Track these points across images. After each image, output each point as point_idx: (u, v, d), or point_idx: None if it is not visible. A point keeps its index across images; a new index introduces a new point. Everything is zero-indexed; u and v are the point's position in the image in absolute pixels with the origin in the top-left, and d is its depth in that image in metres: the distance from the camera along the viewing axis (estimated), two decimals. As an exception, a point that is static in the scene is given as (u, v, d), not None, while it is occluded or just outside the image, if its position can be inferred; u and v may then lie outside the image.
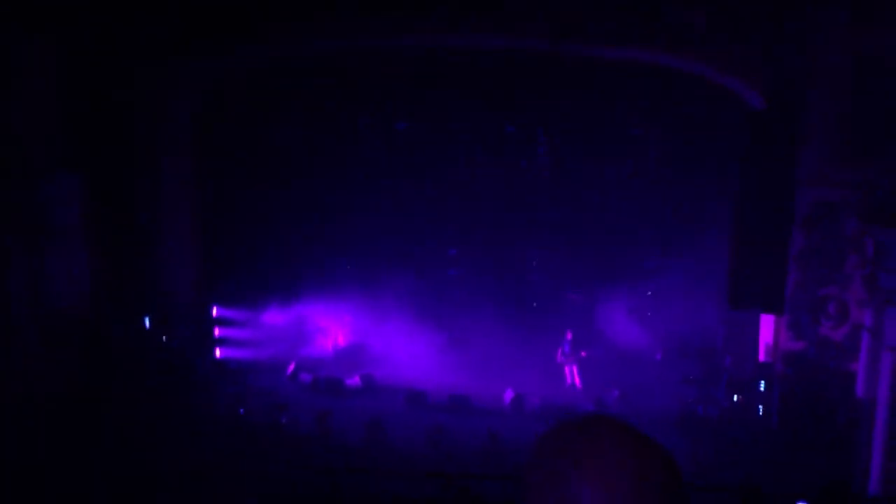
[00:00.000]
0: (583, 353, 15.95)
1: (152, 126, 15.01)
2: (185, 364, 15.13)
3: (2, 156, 12.18)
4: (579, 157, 17.99)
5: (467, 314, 16.85)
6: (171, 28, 13.77)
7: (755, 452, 12.74)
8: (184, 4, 13.71)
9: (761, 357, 14.31)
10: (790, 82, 12.80)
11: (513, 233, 18.53)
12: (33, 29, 12.57)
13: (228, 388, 14.89)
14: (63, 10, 12.82)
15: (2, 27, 11.97)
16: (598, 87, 15.77)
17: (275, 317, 17.24)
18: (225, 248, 16.66)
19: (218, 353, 16.62)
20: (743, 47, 13.10)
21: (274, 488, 10.85)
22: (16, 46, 12.41)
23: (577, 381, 16.01)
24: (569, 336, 16.07)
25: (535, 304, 18.85)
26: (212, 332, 16.55)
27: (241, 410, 13.92)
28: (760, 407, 13.90)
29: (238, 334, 16.93)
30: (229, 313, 16.89)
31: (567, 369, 16.12)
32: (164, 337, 15.15)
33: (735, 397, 14.11)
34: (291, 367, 16.28)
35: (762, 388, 13.89)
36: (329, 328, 17.66)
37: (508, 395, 15.01)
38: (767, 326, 14.15)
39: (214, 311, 16.67)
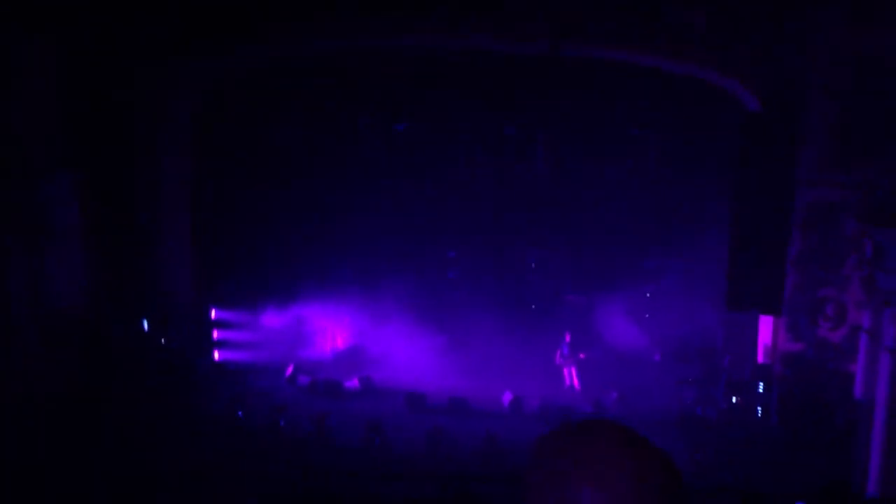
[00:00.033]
0: (581, 355, 15.96)
1: (152, 126, 15.01)
2: (183, 366, 15.11)
3: (2, 156, 12.17)
4: (578, 159, 18.02)
5: (466, 316, 16.84)
6: (171, 28, 13.77)
7: (754, 453, 12.76)
8: (184, 4, 13.71)
9: (760, 358, 14.33)
10: (790, 82, 12.80)
11: (511, 234, 18.55)
12: (33, 29, 12.57)
13: (227, 390, 14.86)
14: (63, 10, 12.82)
15: (2, 27, 11.97)
16: (597, 89, 15.80)
17: (273, 319, 17.21)
18: (224, 248, 16.66)
19: (216, 355, 16.60)
20: (742, 47, 13.10)
21: (273, 490, 10.85)
22: (16, 46, 12.41)
23: (576, 382, 16.02)
24: (567, 338, 16.07)
25: (533, 306, 18.86)
26: (210, 333, 16.53)
27: (240, 412, 13.90)
28: (759, 408, 13.92)
29: (237, 336, 16.90)
30: (228, 315, 16.87)
31: (566, 371, 16.13)
32: (162, 339, 15.12)
33: (734, 398, 14.12)
34: (290, 370, 16.25)
35: (761, 390, 13.90)
36: (328, 330, 17.64)
37: (507, 396, 15.01)
38: (766, 328, 14.17)
39: (213, 314, 16.66)
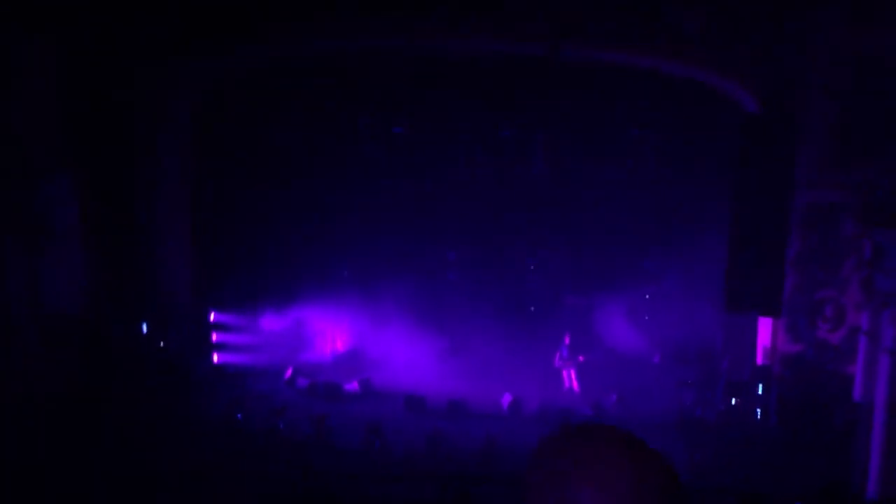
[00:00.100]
0: (580, 358, 15.96)
1: (152, 126, 15.01)
2: (182, 368, 15.07)
3: (2, 156, 12.18)
4: (578, 160, 17.99)
5: (466, 318, 16.83)
6: (171, 28, 13.77)
7: (753, 454, 12.76)
8: (184, 4, 13.71)
9: (759, 360, 14.34)
10: (790, 82, 12.79)
11: (511, 235, 18.53)
12: (33, 29, 12.57)
13: (226, 392, 14.82)
14: (63, 10, 12.82)
15: (2, 27, 11.97)
16: (596, 90, 15.78)
17: (272, 321, 17.19)
18: (223, 250, 16.63)
19: (215, 357, 16.57)
20: (742, 47, 13.09)
21: (272, 492, 10.84)
22: (16, 46, 12.41)
23: (575, 384, 16.02)
24: (567, 340, 16.08)
25: (532, 308, 18.85)
26: (209, 336, 16.49)
27: (239, 415, 13.88)
28: (758, 409, 13.92)
29: (236, 339, 16.87)
30: (227, 318, 16.84)
31: (565, 373, 16.13)
32: (161, 341, 15.08)
33: (733, 400, 14.12)
34: (289, 372, 16.24)
35: (760, 391, 13.90)
36: (327, 332, 17.62)
37: (506, 399, 15.01)
38: (765, 329, 14.17)
39: (212, 316, 16.63)
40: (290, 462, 11.98)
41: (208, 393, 15.06)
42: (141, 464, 11.07)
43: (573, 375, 16.06)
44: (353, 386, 15.86)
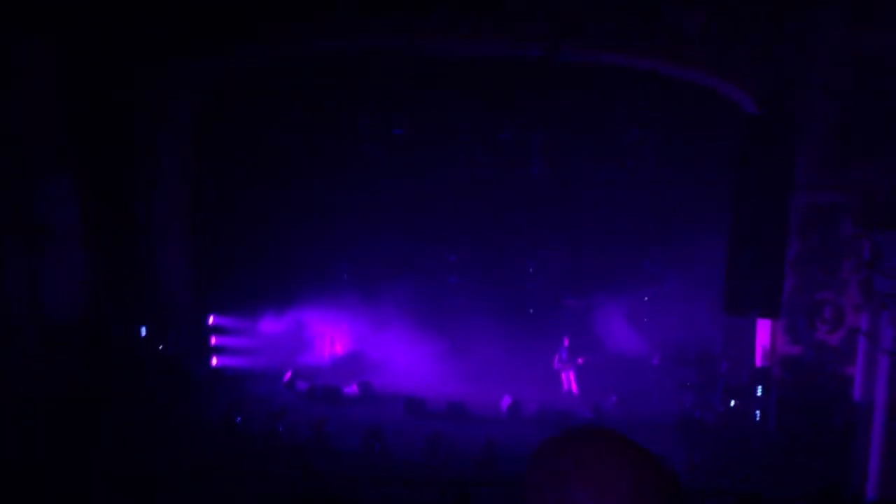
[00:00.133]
0: (580, 360, 15.97)
1: (152, 126, 15.00)
2: (181, 371, 15.01)
3: (1, 156, 12.17)
4: (577, 162, 18.00)
5: (466, 321, 16.82)
6: (171, 28, 13.77)
7: (752, 456, 12.77)
8: (184, 4, 13.71)
9: (758, 361, 14.34)
10: (790, 82, 12.78)
11: (510, 237, 18.52)
12: (33, 29, 12.57)
13: (225, 395, 14.78)
14: (63, 10, 12.83)
15: (2, 27, 11.97)
16: (596, 91, 15.80)
17: (272, 324, 17.13)
18: (223, 249, 16.60)
19: (214, 360, 16.54)
20: (742, 47, 13.08)
21: (271, 495, 10.83)
22: (16, 46, 12.41)
23: (574, 386, 16.03)
24: (566, 342, 16.09)
25: (532, 311, 18.84)
26: (208, 339, 16.44)
27: (238, 419, 13.84)
28: (758, 411, 13.92)
29: (235, 342, 16.82)
30: (226, 321, 16.79)
31: (564, 375, 16.14)
32: (160, 344, 15.03)
33: (732, 402, 14.12)
34: (288, 375, 16.21)
35: (759, 393, 13.90)
36: (327, 335, 17.60)
37: (506, 401, 15.01)
38: (764, 331, 14.17)
39: (211, 319, 16.58)
40: (289, 465, 11.96)
41: (207, 396, 15.02)
42: (140, 466, 11.05)
43: (572, 377, 16.06)
44: (352, 389, 15.83)
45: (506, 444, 12.59)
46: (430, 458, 12.79)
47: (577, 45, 13.74)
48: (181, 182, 15.82)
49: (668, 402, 14.56)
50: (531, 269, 19.20)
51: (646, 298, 18.29)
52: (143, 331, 14.96)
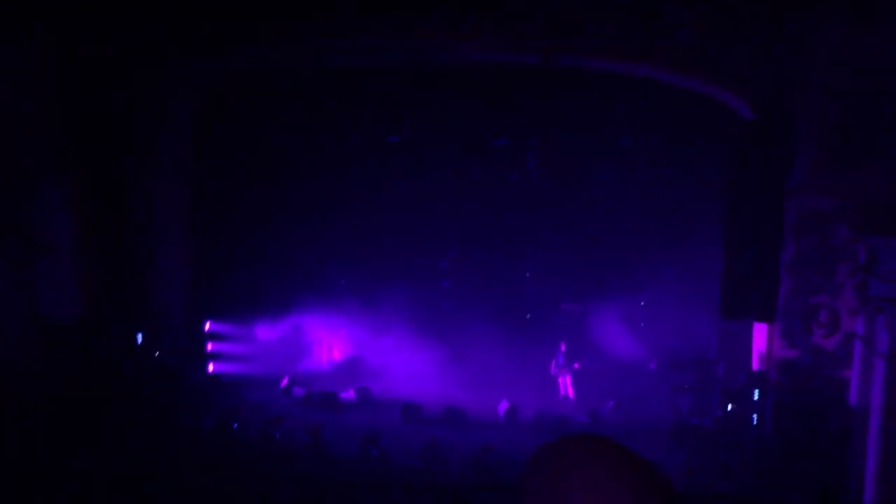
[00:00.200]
0: (576, 365, 15.98)
1: (152, 126, 14.98)
2: (177, 378, 14.92)
3: (1, 156, 12.16)
4: (572, 168, 17.99)
5: (464, 327, 16.83)
6: (171, 28, 13.76)
7: (749, 461, 12.77)
8: (184, 4, 13.71)
9: (755, 365, 14.35)
10: (790, 82, 12.76)
11: (508, 242, 18.50)
12: (33, 29, 12.56)
13: (221, 402, 14.73)
14: (63, 10, 12.82)
15: (2, 27, 11.96)
16: (593, 98, 15.82)
17: (268, 330, 17.10)
18: (223, 249, 16.56)
19: (211, 367, 16.49)
20: (742, 48, 13.05)
21: (267, 501, 10.79)
22: (16, 46, 12.40)
23: (571, 392, 16.04)
24: (563, 348, 16.10)
25: (529, 316, 18.83)
26: (204, 346, 16.40)
27: (234, 425, 13.79)
28: (754, 415, 13.93)
29: (231, 348, 16.79)
30: (222, 327, 16.76)
31: (561, 381, 16.15)
32: (156, 351, 14.96)
33: (729, 406, 14.14)
34: (285, 381, 16.17)
35: (756, 397, 13.92)
36: (324, 341, 17.56)
37: (503, 406, 15.01)
38: (760, 335, 14.19)
39: (207, 326, 16.54)
40: (285, 472, 11.93)
41: (203, 402, 14.96)
42: (136, 472, 11.00)
43: (569, 382, 16.07)
44: (349, 395, 15.81)
45: (503, 449, 12.57)
46: (428, 464, 12.76)
47: (574, 49, 13.75)
48: (181, 182, 15.80)
49: (665, 406, 14.58)
50: (528, 274, 19.19)
51: (642, 303, 18.31)
52: (140, 337, 14.88)
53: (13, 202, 12.51)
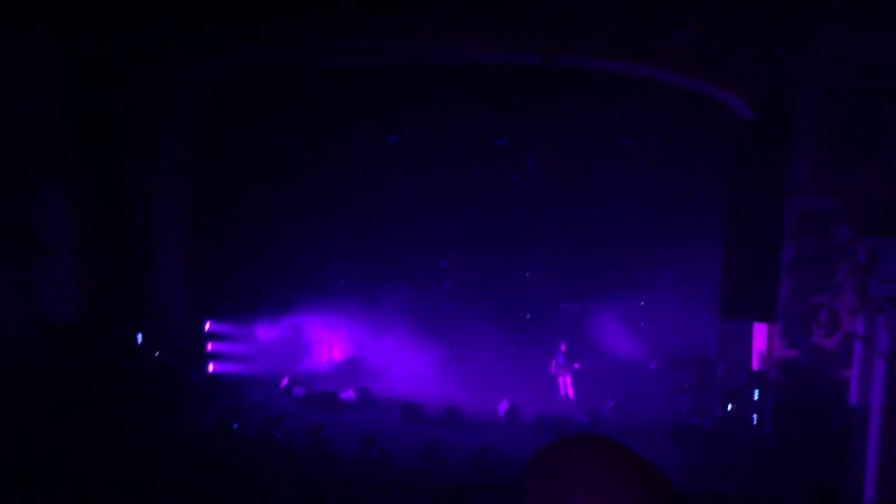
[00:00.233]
0: (576, 365, 15.99)
1: (152, 126, 14.98)
2: (177, 378, 14.92)
3: (1, 156, 12.15)
4: (572, 168, 18.00)
5: (464, 327, 16.82)
6: (171, 28, 13.76)
7: (749, 461, 12.78)
8: (184, 4, 13.71)
9: (755, 366, 14.36)
10: (790, 82, 12.77)
11: (508, 242, 18.50)
12: (33, 29, 12.55)
13: (221, 402, 14.73)
14: (63, 10, 12.82)
15: (2, 27, 11.95)
16: (592, 97, 15.83)
17: (268, 330, 17.08)
18: (223, 249, 16.56)
19: (211, 367, 16.48)
20: (742, 47, 13.04)
21: (267, 502, 10.80)
22: (16, 46, 12.39)
23: (570, 392, 16.04)
24: (563, 348, 16.10)
25: (529, 316, 18.82)
26: (205, 346, 16.40)
27: (234, 425, 13.79)
28: (755, 415, 13.93)
29: (231, 349, 16.78)
30: (222, 327, 16.75)
31: (561, 381, 16.15)
32: (156, 351, 14.96)
33: (729, 406, 14.14)
34: (285, 381, 16.16)
35: (756, 397, 13.92)
36: (324, 341, 17.55)
37: (503, 406, 15.01)
38: (760, 335, 14.19)
39: (207, 326, 16.53)
40: (285, 472, 11.92)
41: (203, 402, 14.96)
42: (136, 473, 10.99)
43: (569, 382, 16.07)
44: (349, 395, 15.80)
45: (503, 449, 12.58)
46: (428, 464, 12.76)
47: (574, 49, 13.74)
48: (181, 182, 15.81)
49: (665, 406, 14.57)
50: (528, 274, 19.19)
51: (642, 303, 18.31)
52: (140, 337, 14.87)
53: (13, 202, 12.51)
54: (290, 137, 17.00)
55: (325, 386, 16.12)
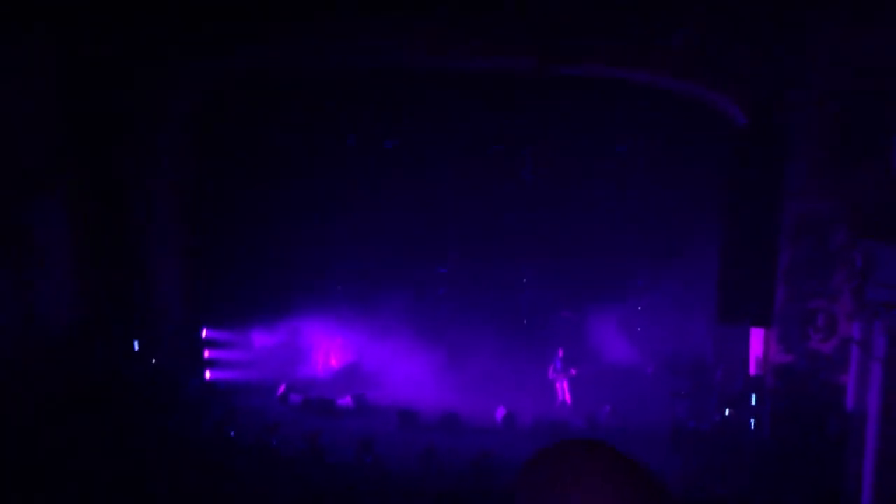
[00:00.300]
0: (573, 371, 15.99)
1: (152, 126, 14.97)
2: (173, 385, 14.88)
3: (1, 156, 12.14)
4: (568, 174, 17.95)
5: (460, 332, 16.79)
6: (171, 28, 13.76)
7: (747, 465, 12.78)
8: (184, 4, 13.71)
9: (752, 370, 14.34)
10: (790, 82, 12.76)
11: (505, 248, 18.45)
12: (33, 29, 12.55)
13: (218, 409, 14.68)
14: (63, 10, 12.81)
15: (2, 27, 11.95)
16: (589, 103, 15.83)
17: (265, 337, 17.03)
18: (222, 250, 16.51)
19: (208, 374, 16.41)
20: (742, 47, 13.03)
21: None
22: (15, 46, 12.39)
23: (568, 397, 16.04)
24: (560, 353, 16.10)
25: (526, 322, 18.80)
26: (201, 352, 16.32)
27: (231, 432, 13.74)
28: (752, 420, 13.93)
29: (228, 355, 16.71)
30: (219, 334, 16.68)
31: (558, 386, 16.15)
32: (153, 359, 14.90)
33: (726, 411, 14.14)
34: (282, 388, 16.11)
35: (753, 402, 13.92)
36: (322, 347, 17.50)
37: (500, 412, 15.00)
38: (757, 340, 14.20)
39: (204, 332, 16.47)
40: (282, 479, 11.89)
41: (200, 409, 14.90)
42: (133, 481, 10.96)
43: (566, 388, 16.07)
44: (346, 401, 15.75)
45: (500, 455, 12.56)
46: (425, 470, 12.73)
47: (573, 50, 13.73)
48: (181, 183, 15.78)
49: (662, 411, 14.56)
50: (525, 280, 19.17)
51: (639, 308, 18.30)
52: (136, 344, 14.81)
53: (13, 203, 12.49)
54: (290, 137, 16.98)
55: (322, 392, 16.07)
